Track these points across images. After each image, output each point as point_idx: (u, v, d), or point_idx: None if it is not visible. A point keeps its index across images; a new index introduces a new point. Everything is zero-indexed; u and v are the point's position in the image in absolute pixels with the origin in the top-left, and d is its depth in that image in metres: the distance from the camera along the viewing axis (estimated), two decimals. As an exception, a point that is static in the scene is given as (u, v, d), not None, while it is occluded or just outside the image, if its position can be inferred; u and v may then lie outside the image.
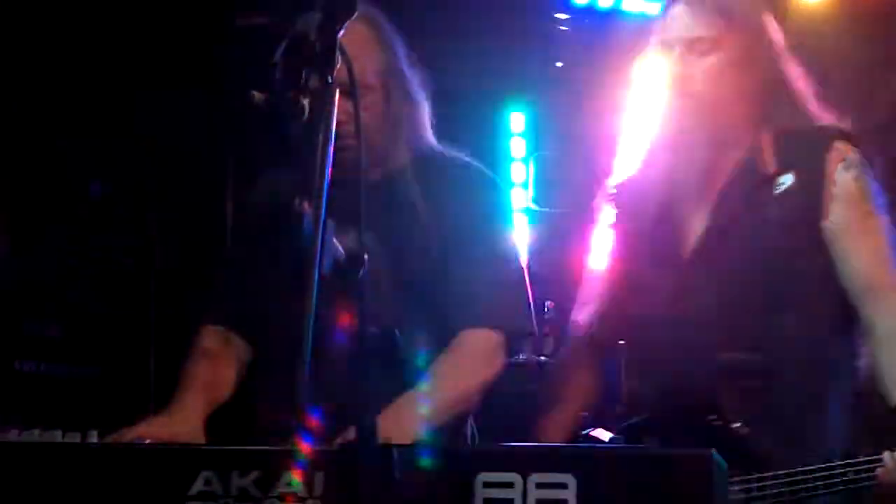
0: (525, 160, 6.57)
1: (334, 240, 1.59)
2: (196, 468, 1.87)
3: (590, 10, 6.11)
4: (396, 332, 1.67)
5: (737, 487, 2.33)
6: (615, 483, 1.69)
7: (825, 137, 2.56)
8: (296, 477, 1.75)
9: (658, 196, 2.63)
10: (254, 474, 1.83)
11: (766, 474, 2.35)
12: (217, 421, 2.61)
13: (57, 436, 2.00)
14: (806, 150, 2.56)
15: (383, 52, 2.62)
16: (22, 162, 5.09)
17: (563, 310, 5.67)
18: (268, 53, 2.36)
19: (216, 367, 2.69)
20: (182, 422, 2.53)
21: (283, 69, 1.74)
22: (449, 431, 2.54)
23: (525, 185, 6.55)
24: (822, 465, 2.31)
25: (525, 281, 2.70)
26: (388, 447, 1.73)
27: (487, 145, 6.59)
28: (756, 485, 2.35)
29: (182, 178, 5.43)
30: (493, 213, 2.70)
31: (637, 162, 2.77)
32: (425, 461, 1.74)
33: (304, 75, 1.71)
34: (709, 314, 2.53)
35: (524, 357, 5.57)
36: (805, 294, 2.52)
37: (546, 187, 6.46)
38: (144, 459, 1.94)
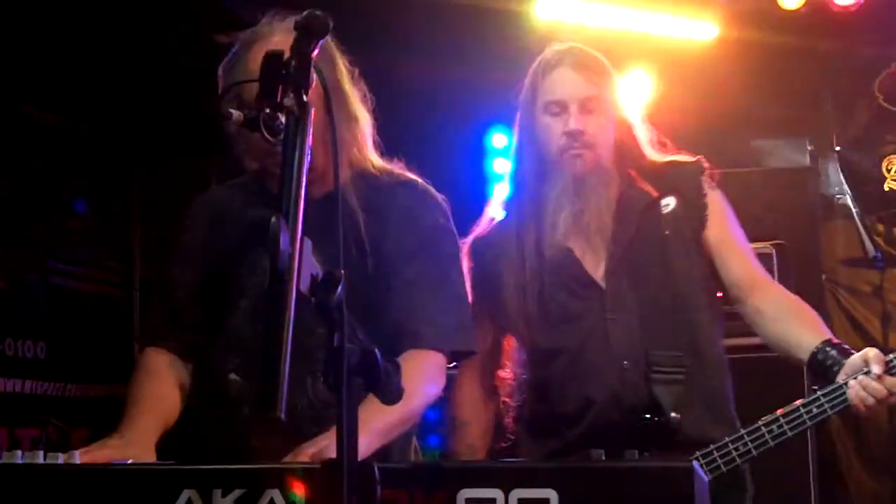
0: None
1: (311, 257, 1.59)
2: (179, 487, 1.86)
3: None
4: (376, 350, 1.65)
5: (697, 463, 2.51)
6: (597, 497, 1.69)
7: (697, 168, 3.03)
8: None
9: (542, 239, 2.95)
10: (236, 493, 1.83)
11: (725, 440, 2.73)
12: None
13: (39, 456, 1.98)
14: (683, 178, 3.00)
15: (328, 69, 2.57)
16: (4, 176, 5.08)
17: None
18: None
19: (164, 389, 2.64)
20: (136, 443, 2.46)
21: (260, 86, 1.73)
22: (397, 449, 2.55)
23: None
24: (782, 412, 2.71)
25: (468, 301, 2.74)
26: (370, 464, 1.72)
27: (471, 165, 6.63)
28: (717, 454, 2.73)
29: (165, 194, 5.44)
30: (436, 233, 2.68)
31: (499, 211, 3.12)
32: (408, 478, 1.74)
33: (279, 93, 1.71)
34: (633, 324, 2.88)
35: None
36: (699, 292, 2.95)
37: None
38: (127, 479, 1.94)
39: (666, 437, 2.77)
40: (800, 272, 5.28)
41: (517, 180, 3.07)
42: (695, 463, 1.71)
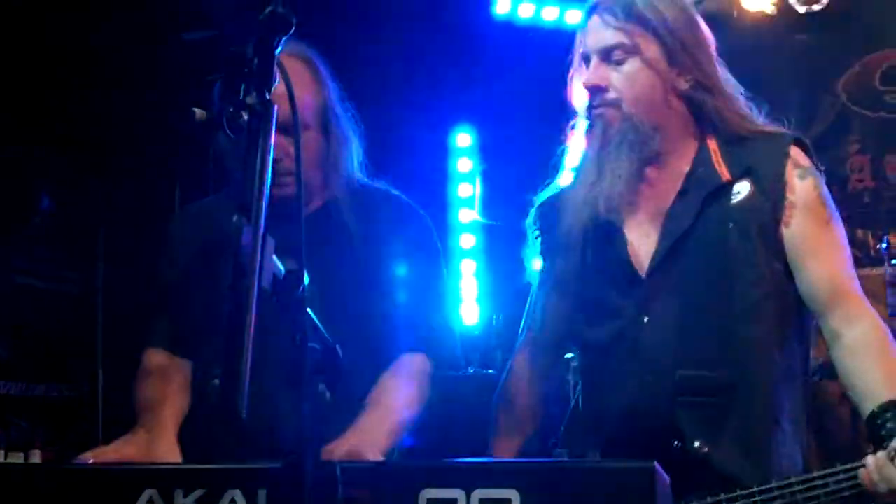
0: (472, 177, 6.61)
1: (274, 257, 1.59)
2: (140, 487, 1.85)
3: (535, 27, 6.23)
4: (338, 347, 1.66)
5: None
6: (559, 497, 1.69)
7: (781, 144, 2.53)
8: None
9: (585, 215, 2.56)
10: (197, 493, 1.82)
11: (737, 492, 2.34)
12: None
13: (-1, 455, 1.98)
14: (762, 157, 2.52)
15: (319, 90, 2.67)
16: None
17: (512, 322, 5.72)
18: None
19: (173, 386, 2.70)
20: (161, 439, 2.53)
21: (222, 85, 1.73)
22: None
23: (472, 201, 6.59)
24: (800, 478, 2.30)
25: (453, 311, 2.87)
26: (331, 464, 1.72)
27: (435, 164, 6.64)
28: (755, 499, 2.33)
29: (131, 194, 5.40)
30: (423, 245, 2.78)
31: (563, 179, 2.75)
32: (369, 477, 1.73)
33: (242, 92, 1.70)
34: (669, 332, 2.48)
35: (473, 370, 5.58)
36: (762, 301, 2.48)
37: (493, 200, 6.49)
38: (88, 479, 1.93)
39: (685, 468, 2.31)
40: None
41: (579, 143, 2.67)
42: (656, 464, 1.69)
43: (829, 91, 7.19)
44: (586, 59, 2.56)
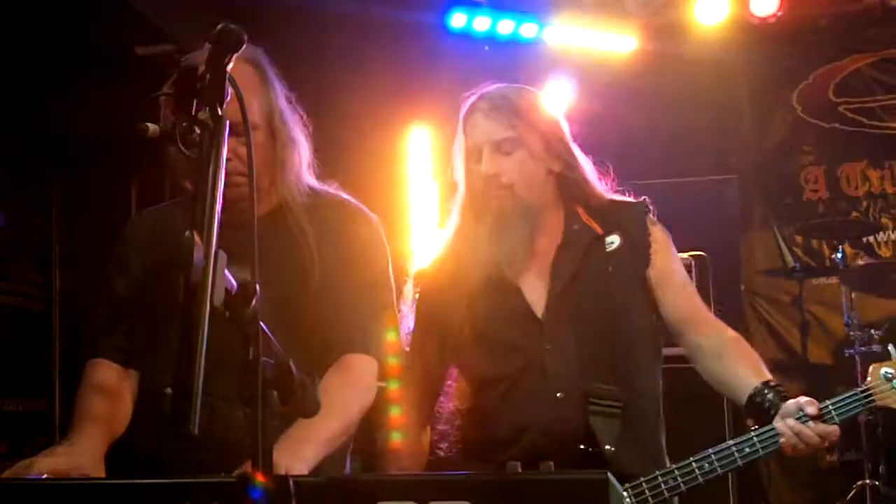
0: (429, 183, 6.63)
1: (226, 271, 1.59)
2: (91, 502, 1.84)
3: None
4: (291, 361, 1.66)
5: (625, 493, 2.71)
6: (513, 509, 1.69)
7: (639, 207, 3.09)
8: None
9: (484, 274, 2.97)
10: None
11: (659, 472, 2.76)
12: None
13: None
14: (626, 216, 3.06)
15: (267, 93, 2.66)
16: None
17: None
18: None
19: (112, 400, 2.67)
20: (84, 453, 2.50)
21: (174, 100, 1.73)
22: (336, 459, 2.57)
23: (428, 207, 6.61)
24: (712, 450, 2.74)
25: (396, 313, 2.86)
26: (284, 478, 1.72)
27: (392, 169, 6.65)
28: (645, 487, 2.75)
29: (84, 207, 5.37)
30: (368, 248, 2.79)
31: (452, 245, 3.11)
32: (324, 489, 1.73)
33: (194, 106, 1.71)
34: (569, 356, 2.92)
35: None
36: (639, 330, 2.99)
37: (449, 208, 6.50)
38: (40, 495, 1.91)
39: (598, 469, 2.69)
40: (720, 283, 5.35)
41: (461, 220, 3.10)
42: (611, 478, 1.71)
43: (784, 103, 7.27)
44: (478, 150, 2.98)
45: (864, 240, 6.90)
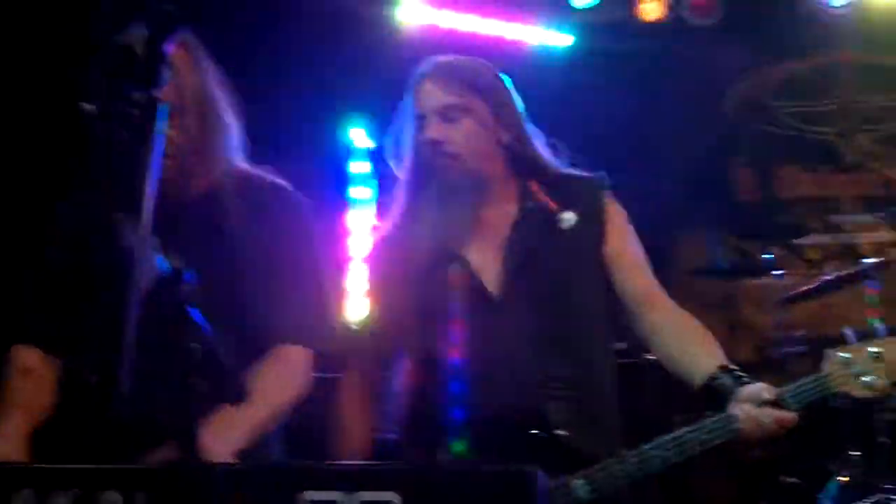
0: (369, 178, 6.63)
1: (156, 255, 1.57)
2: (14, 487, 1.81)
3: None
4: (220, 348, 1.64)
5: (582, 483, 2.64)
6: (440, 500, 1.69)
7: (595, 182, 3.01)
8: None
9: (427, 250, 2.89)
10: (73, 493, 1.79)
11: (613, 459, 2.65)
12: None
13: None
14: (582, 192, 2.97)
15: (197, 74, 2.62)
16: None
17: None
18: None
19: (35, 386, 2.63)
20: (6, 438, 2.49)
21: (111, 81, 1.71)
22: (261, 448, 2.55)
23: (367, 202, 6.61)
24: (669, 437, 2.65)
25: (332, 300, 2.82)
26: (211, 465, 1.71)
27: (330, 165, 6.63)
28: (600, 474, 2.65)
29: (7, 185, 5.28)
30: (302, 234, 2.76)
31: (398, 217, 3.03)
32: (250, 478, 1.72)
33: (131, 88, 1.69)
34: (523, 338, 2.81)
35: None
36: (595, 310, 2.92)
37: (389, 203, 6.49)
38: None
39: (552, 454, 2.69)
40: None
41: (407, 191, 3.02)
42: (539, 472, 1.70)
43: (720, 104, 7.35)
44: (420, 118, 2.91)
45: (794, 241, 7.03)
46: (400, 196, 3.02)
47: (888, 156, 7.16)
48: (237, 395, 1.73)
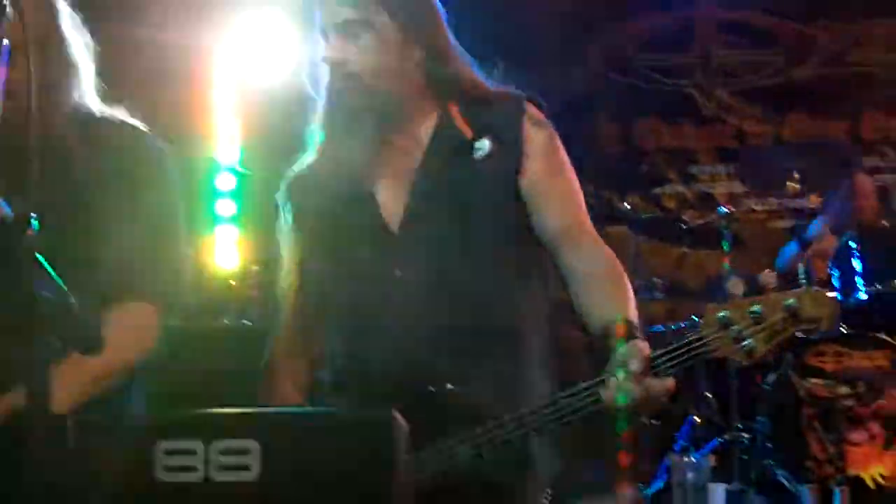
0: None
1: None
2: None
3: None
4: (71, 297, 1.59)
5: (464, 444, 2.40)
6: (299, 447, 1.68)
7: (517, 103, 2.64)
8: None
9: (336, 182, 2.61)
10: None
11: (493, 423, 2.39)
12: None
13: None
14: (500, 115, 2.62)
15: (44, 13, 2.49)
16: None
17: (269, 272, 5.67)
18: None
19: None
20: None
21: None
22: (112, 403, 2.48)
23: (230, 146, 6.53)
24: (548, 401, 2.37)
25: (187, 253, 2.66)
26: (62, 418, 1.67)
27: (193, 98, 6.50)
28: (482, 436, 2.39)
29: None
30: (157, 178, 2.61)
31: (313, 151, 2.73)
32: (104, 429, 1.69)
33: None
34: (421, 285, 2.55)
35: (227, 321, 5.52)
36: (510, 254, 2.59)
37: (250, 146, 6.42)
38: None
39: (442, 411, 2.44)
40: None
41: (321, 121, 2.68)
42: (395, 412, 1.70)
43: (584, 56, 7.43)
44: (324, 34, 2.59)
45: (652, 191, 7.20)
46: (318, 122, 2.70)
47: (743, 109, 7.35)
48: (92, 345, 1.67)
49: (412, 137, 2.63)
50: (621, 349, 2.30)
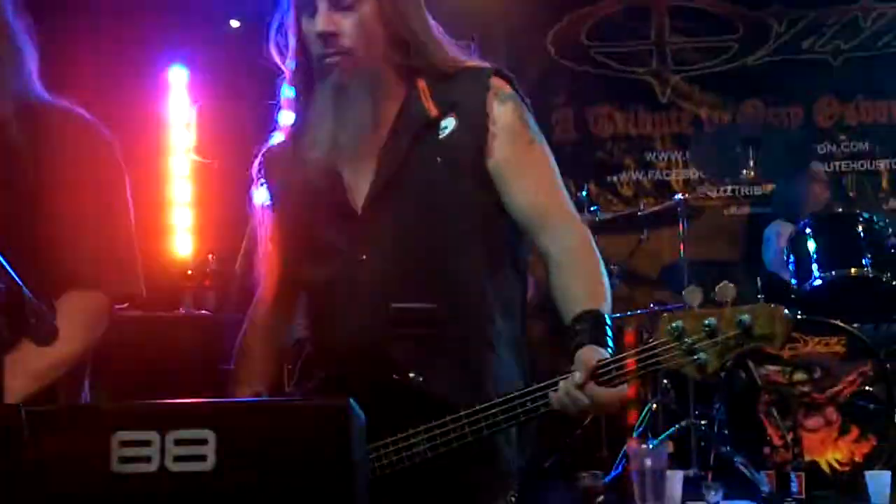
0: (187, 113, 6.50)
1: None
2: None
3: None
4: (25, 289, 1.58)
5: (422, 437, 2.35)
6: (254, 436, 1.67)
7: (482, 77, 2.55)
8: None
9: (312, 159, 2.54)
10: None
11: (446, 418, 2.33)
12: None
13: None
14: (464, 92, 2.53)
15: None
16: None
17: (225, 261, 5.65)
18: None
19: None
20: None
21: None
22: (64, 393, 2.48)
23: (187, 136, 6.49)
24: (500, 399, 2.31)
25: (133, 240, 2.63)
26: (15, 407, 1.65)
27: (149, 105, 6.46)
28: (438, 431, 2.34)
29: None
30: (99, 168, 2.59)
31: (288, 126, 2.69)
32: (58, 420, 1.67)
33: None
34: (386, 268, 2.49)
35: (184, 311, 5.49)
36: (477, 235, 2.51)
37: (208, 138, 6.39)
38: None
39: (404, 399, 2.41)
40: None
41: (295, 92, 2.62)
42: (351, 400, 1.70)
43: (538, 44, 7.44)
44: (310, 5, 2.51)
45: (608, 179, 7.24)
46: (290, 101, 2.63)
47: (699, 96, 7.40)
48: (46, 335, 1.66)
49: (382, 116, 2.54)
50: (577, 353, 2.25)
